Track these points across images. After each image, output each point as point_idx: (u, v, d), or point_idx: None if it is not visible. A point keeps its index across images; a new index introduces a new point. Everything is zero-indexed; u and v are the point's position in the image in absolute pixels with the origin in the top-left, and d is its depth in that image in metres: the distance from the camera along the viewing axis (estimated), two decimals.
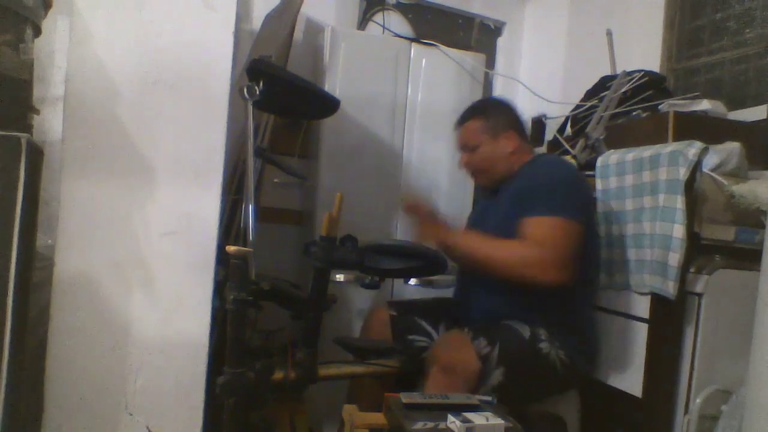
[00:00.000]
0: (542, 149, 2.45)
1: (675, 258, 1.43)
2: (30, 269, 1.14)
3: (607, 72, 2.29)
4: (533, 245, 1.40)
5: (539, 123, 2.67)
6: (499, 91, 2.99)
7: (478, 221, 1.71)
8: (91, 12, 1.22)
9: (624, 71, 2.10)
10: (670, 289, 1.44)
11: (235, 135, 1.64)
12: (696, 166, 1.43)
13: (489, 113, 1.62)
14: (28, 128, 1.19)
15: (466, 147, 1.64)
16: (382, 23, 2.71)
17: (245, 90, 1.44)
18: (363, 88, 2.17)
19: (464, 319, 1.64)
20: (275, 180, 2.37)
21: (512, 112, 1.66)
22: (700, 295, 1.48)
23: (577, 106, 2.24)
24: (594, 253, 1.57)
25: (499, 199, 1.60)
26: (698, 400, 1.46)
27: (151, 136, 1.27)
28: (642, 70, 2.10)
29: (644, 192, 1.56)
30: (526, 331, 1.44)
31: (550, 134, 2.50)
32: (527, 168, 1.58)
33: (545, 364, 1.43)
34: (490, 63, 2.98)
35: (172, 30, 1.27)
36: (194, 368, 1.30)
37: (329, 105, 1.74)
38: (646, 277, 1.53)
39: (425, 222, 1.56)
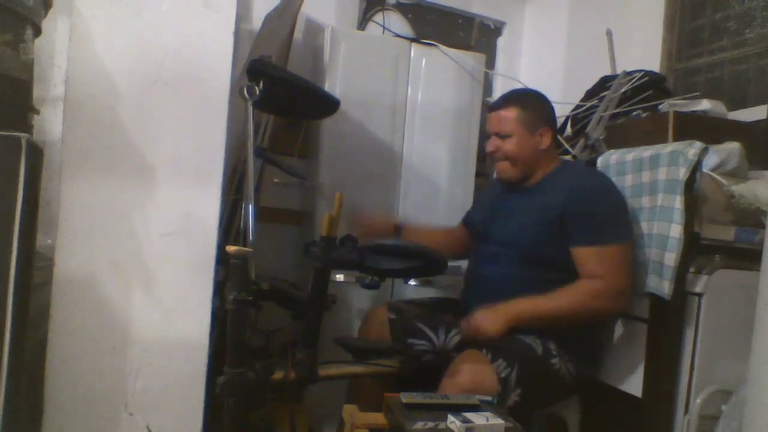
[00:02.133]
0: None
1: (671, 258, 1.43)
2: (30, 269, 1.14)
3: (607, 72, 2.29)
4: (602, 279, 1.41)
5: None
6: (499, 91, 2.99)
7: (495, 214, 1.67)
8: (91, 12, 1.22)
9: (624, 71, 2.11)
10: (665, 288, 1.44)
11: (235, 135, 1.64)
12: (696, 166, 1.44)
13: (529, 105, 1.59)
14: (28, 128, 1.19)
15: (499, 133, 1.60)
16: (382, 23, 2.71)
17: (245, 90, 1.44)
18: (363, 88, 2.17)
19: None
20: (275, 180, 2.36)
21: (551, 111, 1.64)
22: (700, 295, 1.47)
23: (577, 106, 2.24)
24: None
25: (526, 197, 1.58)
26: (698, 400, 1.46)
27: (151, 136, 1.26)
28: (642, 70, 2.10)
29: (643, 192, 1.56)
30: (538, 347, 1.44)
31: None
32: (574, 182, 1.52)
33: (556, 378, 1.45)
34: (490, 63, 2.98)
35: (172, 30, 1.27)
36: (194, 368, 1.30)
37: (329, 105, 1.73)
38: (645, 277, 1.53)
39: (484, 317, 1.44)
